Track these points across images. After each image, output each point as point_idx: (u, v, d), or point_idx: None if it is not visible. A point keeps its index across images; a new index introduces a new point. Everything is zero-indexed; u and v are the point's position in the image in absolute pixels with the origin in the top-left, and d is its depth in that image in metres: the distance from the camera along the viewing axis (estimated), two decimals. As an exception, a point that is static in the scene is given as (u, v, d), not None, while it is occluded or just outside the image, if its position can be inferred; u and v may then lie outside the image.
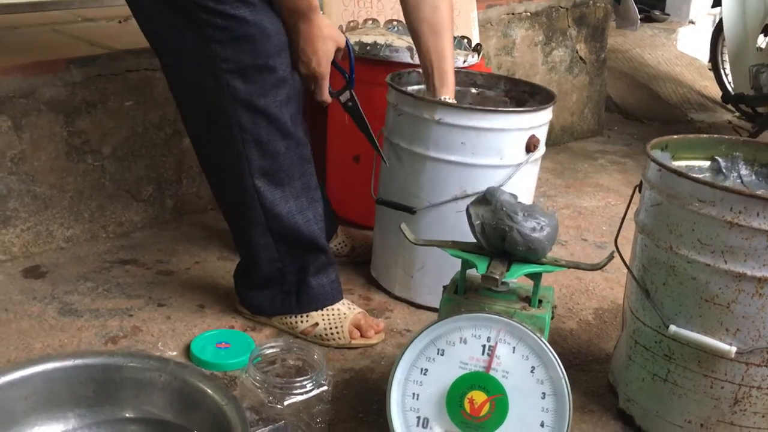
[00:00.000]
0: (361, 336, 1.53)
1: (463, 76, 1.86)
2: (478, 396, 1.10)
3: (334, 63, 1.45)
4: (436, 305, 1.64)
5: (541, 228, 1.11)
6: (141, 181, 1.95)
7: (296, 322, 1.53)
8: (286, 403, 1.13)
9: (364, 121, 1.54)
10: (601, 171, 2.96)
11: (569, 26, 3.18)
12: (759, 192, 1.16)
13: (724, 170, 1.44)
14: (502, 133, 1.56)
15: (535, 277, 1.16)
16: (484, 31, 2.79)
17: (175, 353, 1.45)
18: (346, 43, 1.46)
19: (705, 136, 1.45)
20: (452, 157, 1.56)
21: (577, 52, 3.26)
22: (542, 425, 1.09)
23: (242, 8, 1.30)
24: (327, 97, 1.47)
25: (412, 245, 1.65)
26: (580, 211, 2.47)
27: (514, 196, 1.18)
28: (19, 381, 1.12)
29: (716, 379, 1.22)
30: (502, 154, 1.57)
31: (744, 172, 1.44)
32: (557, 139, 3.31)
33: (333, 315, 1.53)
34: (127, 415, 1.17)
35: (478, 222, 1.14)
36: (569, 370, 1.50)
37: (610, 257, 1.17)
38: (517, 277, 1.13)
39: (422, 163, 1.60)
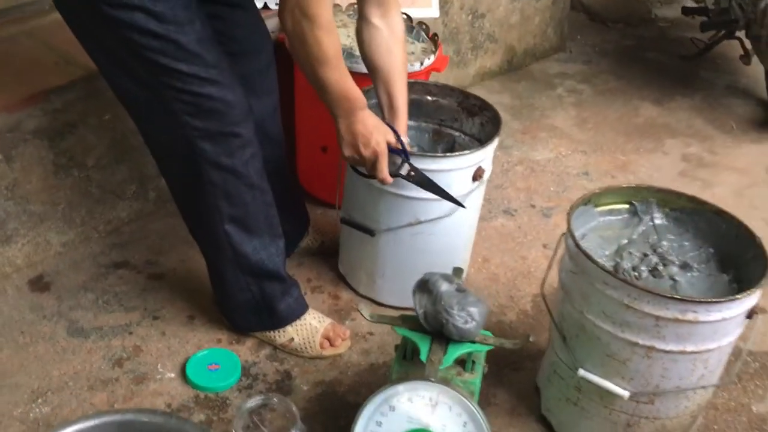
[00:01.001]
0: (331, 346, 1.81)
1: (420, 87, 2.00)
2: (422, 445, 1.39)
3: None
4: (398, 304, 1.92)
5: (472, 319, 1.35)
6: (124, 182, 2.12)
7: (274, 337, 1.80)
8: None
9: (434, 186, 1.68)
10: (558, 107, 3.11)
11: (531, -47, 3.19)
12: (649, 287, 1.39)
13: (639, 214, 1.66)
14: (450, 172, 1.74)
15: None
16: (445, -27, 2.83)
17: (173, 375, 1.72)
18: (392, 129, 1.62)
19: (624, 185, 1.65)
20: (406, 192, 1.75)
21: (539, -24, 3.29)
22: (471, 467, 1.40)
23: (207, 86, 1.46)
24: (388, 177, 1.60)
25: (376, 255, 1.90)
26: (532, 167, 2.67)
27: (449, 279, 1.41)
28: (53, 443, 1.39)
29: (614, 410, 1.52)
30: (451, 188, 1.76)
31: (657, 215, 1.66)
32: (519, 63, 3.43)
33: (306, 329, 1.80)
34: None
35: (421, 311, 1.38)
36: (504, 370, 1.81)
37: (527, 339, 1.41)
38: (452, 360, 1.38)
39: (380, 195, 1.79)
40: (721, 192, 2.61)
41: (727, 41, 3.42)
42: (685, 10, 3.64)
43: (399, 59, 1.69)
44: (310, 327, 1.80)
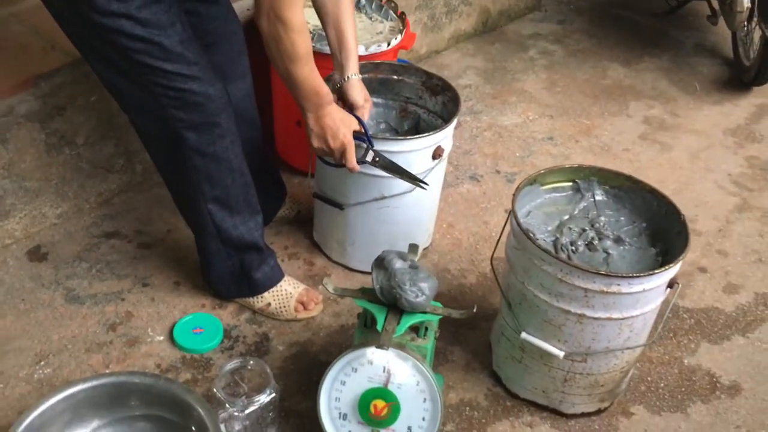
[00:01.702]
0: (305, 309, 1.99)
1: (386, 67, 2.13)
2: (380, 403, 1.58)
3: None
4: (367, 269, 2.07)
5: (422, 293, 1.53)
6: (112, 157, 2.27)
7: (253, 302, 1.98)
8: (246, 412, 1.62)
9: (399, 169, 1.83)
10: (529, 70, 3.24)
11: None
12: (579, 264, 1.57)
13: (582, 191, 1.83)
14: (411, 153, 1.90)
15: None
16: (418, -55, 2.91)
17: (162, 338, 1.91)
18: (358, 119, 1.76)
19: (567, 166, 1.81)
20: (370, 171, 1.91)
21: (514, -61, 3.36)
22: (423, 419, 1.59)
23: (189, 82, 1.60)
24: (356, 165, 1.75)
25: (345, 226, 2.07)
26: (500, 132, 2.82)
27: (404, 256, 1.58)
28: (56, 402, 1.58)
29: (552, 367, 1.72)
30: (412, 167, 1.92)
31: (597, 192, 1.82)
32: (494, 24, 3.53)
33: (281, 295, 1.98)
34: (136, 413, 1.66)
35: (378, 286, 1.55)
36: (461, 330, 2.00)
37: (472, 310, 1.59)
38: (404, 329, 1.56)
39: (347, 173, 1.94)
40: (677, 155, 2.77)
41: (696, 0, 3.52)
42: (658, -32, 3.72)
43: (348, 3, 1.80)
44: (286, 293, 1.98)
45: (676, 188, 2.59)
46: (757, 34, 2.99)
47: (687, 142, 2.84)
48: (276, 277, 1.98)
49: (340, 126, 1.70)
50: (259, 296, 1.97)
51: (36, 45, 2.13)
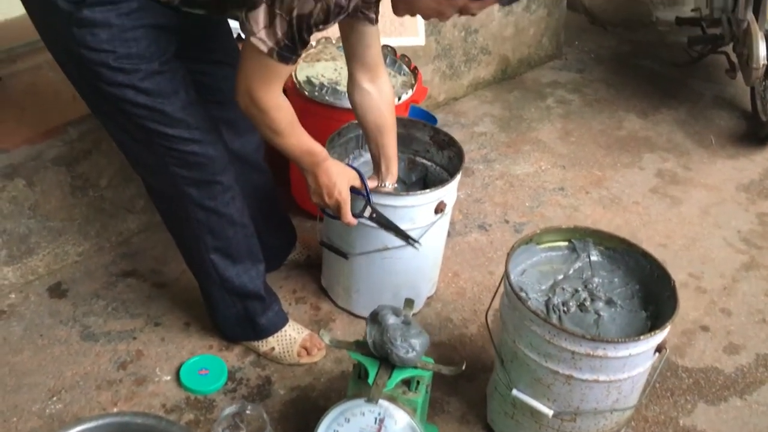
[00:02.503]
0: (308, 355, 2.06)
1: (396, 121, 2.20)
2: (371, 452, 1.64)
3: (352, 189, 1.81)
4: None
5: (413, 350, 1.59)
6: (134, 198, 2.38)
7: (258, 346, 2.06)
8: (242, 457, 1.69)
9: (392, 226, 1.90)
10: (545, 119, 3.30)
11: (526, -30, 3.34)
12: (565, 327, 1.61)
13: (578, 250, 1.87)
14: (413, 208, 1.97)
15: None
16: (438, -2, 3.00)
17: (168, 378, 1.99)
18: (358, 173, 1.83)
19: (563, 227, 1.86)
20: (374, 224, 1.98)
21: (535, -9, 3.44)
22: (412, 471, 1.65)
23: (191, 145, 1.70)
24: (351, 219, 1.82)
25: (351, 273, 2.14)
26: (511, 182, 2.88)
27: (398, 312, 1.64)
28: (64, 439, 1.67)
29: (542, 425, 1.75)
30: (415, 221, 1.99)
31: (593, 252, 1.87)
32: (514, 71, 3.60)
33: (285, 339, 2.05)
34: (137, 453, 1.74)
35: (371, 340, 1.62)
36: (459, 380, 2.05)
37: (461, 367, 1.64)
38: (395, 384, 1.62)
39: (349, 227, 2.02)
40: (687, 210, 2.79)
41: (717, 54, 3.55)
42: (679, 21, 3.77)
43: (389, 119, 1.89)
44: (290, 338, 2.05)
45: (683, 244, 2.61)
46: (773, 91, 3.02)
47: (698, 197, 2.87)
48: (280, 322, 2.05)
49: (336, 183, 1.77)
50: (264, 340, 2.05)
51: (67, 91, 2.24)
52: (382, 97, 1.86)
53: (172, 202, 1.80)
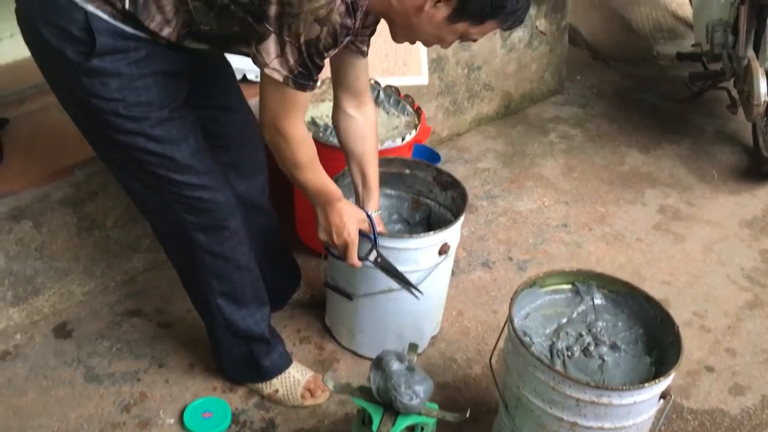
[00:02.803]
0: (311, 396, 2.06)
1: (399, 162, 2.23)
2: (374, 500, 1.64)
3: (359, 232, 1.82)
4: (374, 356, 2.15)
5: (417, 396, 1.59)
6: (139, 238, 2.39)
7: (262, 388, 2.06)
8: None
9: (396, 273, 1.91)
10: (548, 154, 3.31)
11: (528, 8, 3.37)
12: (569, 373, 1.62)
13: (581, 293, 1.88)
14: (418, 250, 1.98)
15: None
16: (441, 36, 3.04)
17: (172, 421, 1.99)
18: (368, 216, 1.84)
19: (567, 270, 1.87)
20: (378, 268, 1.99)
21: (536, 28, 3.48)
22: None
23: (199, 191, 1.72)
24: (357, 261, 1.83)
25: (355, 314, 2.14)
26: (515, 218, 2.88)
27: (401, 357, 1.64)
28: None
29: (547, 471, 1.75)
30: (419, 263, 2.00)
31: (597, 295, 1.88)
32: (516, 107, 3.63)
33: (289, 381, 2.05)
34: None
35: (375, 386, 1.62)
36: (464, 423, 2.03)
37: (465, 414, 1.64)
38: (400, 430, 1.62)
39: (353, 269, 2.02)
40: (691, 246, 2.80)
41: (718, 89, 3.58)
42: (680, 56, 3.80)
43: (372, 144, 1.91)
44: (294, 379, 2.05)
45: (687, 281, 2.62)
46: (774, 127, 3.04)
47: (701, 233, 2.87)
48: (284, 364, 2.05)
49: (346, 223, 1.78)
50: (268, 382, 2.05)
51: (74, 133, 2.24)
52: (367, 123, 1.88)
53: (180, 246, 1.81)
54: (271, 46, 1.46)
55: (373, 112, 1.91)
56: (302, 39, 1.44)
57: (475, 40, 1.59)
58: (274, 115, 1.57)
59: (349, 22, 1.46)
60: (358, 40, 1.71)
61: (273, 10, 1.43)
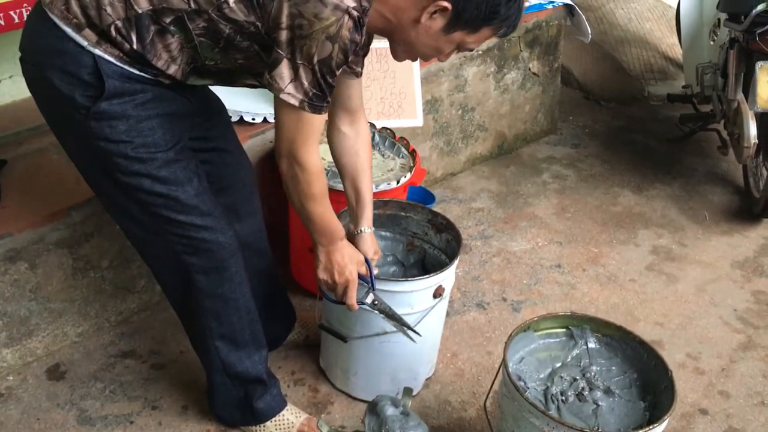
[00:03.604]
0: (306, 440, 2.05)
1: (394, 204, 2.25)
2: None
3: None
4: (370, 398, 2.15)
5: (412, 442, 1.59)
6: (134, 278, 2.40)
7: (256, 431, 2.05)
8: None
9: (394, 316, 1.92)
10: (541, 194, 3.34)
11: (521, 50, 3.43)
12: (563, 419, 1.62)
13: (575, 337, 1.89)
14: (412, 293, 1.99)
15: (411, 463, 1.65)
16: (436, 79, 3.09)
17: (165, 465, 1.98)
18: (366, 260, 1.86)
19: (560, 314, 1.88)
20: (375, 311, 1.99)
21: (529, 70, 3.53)
22: None
23: (202, 232, 1.73)
24: (355, 304, 1.84)
25: (349, 356, 2.14)
26: (509, 258, 2.90)
27: (396, 402, 1.65)
28: None
29: None
30: (413, 305, 2.01)
31: (591, 339, 1.88)
32: (510, 147, 3.66)
33: (283, 424, 2.04)
34: None
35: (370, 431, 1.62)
36: (458, 469, 2.03)
37: (460, 460, 1.64)
38: (393, 477, 1.62)
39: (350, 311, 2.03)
40: (683, 287, 2.81)
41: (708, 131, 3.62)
42: (671, 98, 3.86)
43: (364, 160, 1.93)
44: (288, 422, 2.04)
45: (680, 323, 2.63)
46: (764, 169, 3.07)
47: (693, 274, 2.89)
48: (278, 407, 2.04)
49: (348, 263, 1.79)
50: (262, 425, 2.04)
51: (71, 174, 2.27)
52: (359, 139, 1.90)
53: (179, 289, 1.82)
54: (284, 71, 1.49)
55: (366, 128, 1.93)
56: (315, 59, 1.47)
57: (471, 49, 1.63)
58: (291, 142, 1.59)
59: (357, 37, 1.49)
60: (351, 61, 1.74)
61: (284, 35, 1.46)
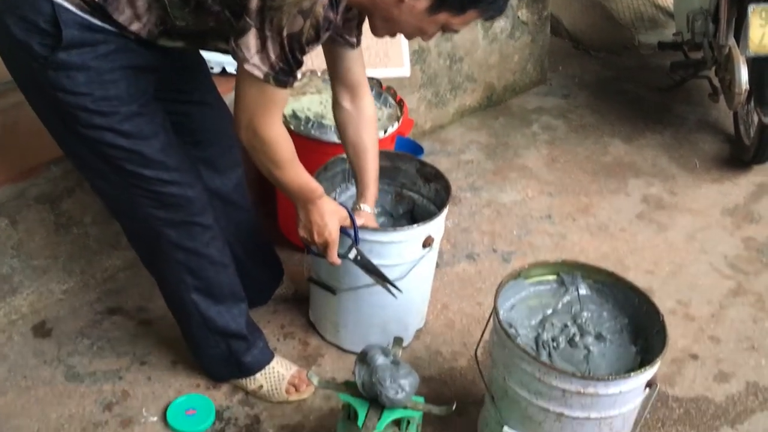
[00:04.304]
0: (296, 392, 2.04)
1: (381, 154, 2.19)
2: (361, 494, 1.62)
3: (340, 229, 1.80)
4: (359, 350, 2.14)
5: (402, 390, 1.57)
6: (119, 235, 2.34)
7: (245, 384, 2.03)
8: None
9: (376, 271, 1.89)
10: (531, 145, 3.30)
11: (510, -2, 3.35)
12: (554, 365, 1.61)
13: (566, 284, 1.87)
14: (401, 243, 1.96)
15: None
16: (422, 28, 3.02)
17: (155, 419, 1.96)
18: (348, 213, 1.82)
19: (551, 261, 1.86)
20: (358, 266, 1.96)
21: (518, 18, 3.47)
22: None
23: (169, 186, 1.69)
24: (336, 260, 1.81)
25: (339, 309, 2.12)
26: (498, 210, 2.87)
27: (386, 352, 1.63)
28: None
29: (534, 462, 1.74)
30: (403, 256, 1.98)
31: (581, 286, 1.87)
32: (499, 98, 3.61)
33: (273, 377, 2.03)
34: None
35: (360, 381, 1.60)
36: (451, 416, 2.02)
37: (452, 407, 1.63)
38: (385, 425, 1.60)
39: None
40: (674, 235, 2.80)
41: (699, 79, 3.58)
42: (661, 45, 3.80)
43: (367, 138, 1.89)
44: (278, 374, 2.03)
45: (670, 270, 2.62)
46: (756, 115, 3.04)
47: (684, 222, 2.88)
48: (265, 359, 2.03)
49: (327, 222, 1.76)
50: (252, 378, 2.02)
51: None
52: (361, 117, 1.85)
53: (150, 244, 1.78)
54: (251, 40, 1.42)
55: (370, 105, 1.88)
56: (285, 33, 1.40)
57: (456, 31, 1.57)
58: (252, 115, 1.52)
59: (331, 15, 1.43)
60: (344, 31, 1.69)
61: (254, 3, 1.39)
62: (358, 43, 1.74)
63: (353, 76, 1.80)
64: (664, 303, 2.44)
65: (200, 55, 1.86)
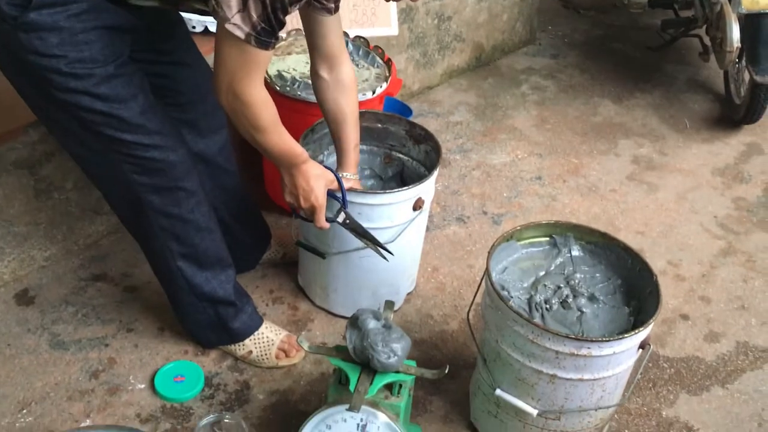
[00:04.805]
0: (286, 357, 2.01)
1: (370, 115, 2.16)
2: (354, 458, 1.61)
3: (328, 192, 1.77)
4: (350, 315, 2.12)
5: (394, 354, 1.55)
6: (101, 200, 2.27)
7: (234, 350, 2.01)
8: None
9: (367, 235, 1.86)
10: (521, 106, 3.26)
11: (498, -47, 3.28)
12: (548, 327, 1.59)
13: (558, 246, 1.84)
14: (391, 205, 1.92)
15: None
16: (410, -15, 2.95)
17: (143, 386, 1.94)
18: (336, 176, 1.78)
19: (544, 222, 1.83)
20: (347, 230, 1.92)
21: (507, -24, 3.39)
22: (395, 476, 1.62)
23: (151, 150, 1.63)
24: (324, 224, 1.78)
25: (328, 273, 2.09)
26: (488, 172, 2.84)
27: (378, 315, 1.60)
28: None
29: (527, 424, 1.73)
30: (393, 219, 1.94)
31: (574, 247, 1.84)
32: (488, 58, 3.56)
33: (263, 342, 2.00)
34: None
35: (351, 346, 1.57)
36: (442, 379, 2.01)
37: (444, 370, 1.60)
38: (377, 390, 1.58)
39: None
40: (664, 196, 2.78)
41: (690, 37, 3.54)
42: (652, 4, 3.75)
43: (345, 108, 1.84)
44: (267, 340, 2.00)
45: (661, 231, 2.60)
46: (747, 74, 3.01)
47: (674, 183, 2.86)
48: (254, 324, 2.00)
49: (313, 187, 1.72)
50: (240, 344, 2.00)
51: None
52: (338, 87, 1.81)
53: (134, 211, 1.73)
54: None
55: (349, 74, 1.82)
56: None
57: None
58: (232, 77, 1.47)
59: None
60: None
61: None
62: (336, 9, 1.68)
63: (329, 45, 1.75)
64: (654, 263, 2.40)
65: (178, 14, 1.79)
